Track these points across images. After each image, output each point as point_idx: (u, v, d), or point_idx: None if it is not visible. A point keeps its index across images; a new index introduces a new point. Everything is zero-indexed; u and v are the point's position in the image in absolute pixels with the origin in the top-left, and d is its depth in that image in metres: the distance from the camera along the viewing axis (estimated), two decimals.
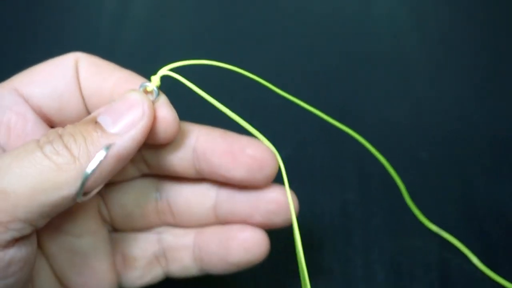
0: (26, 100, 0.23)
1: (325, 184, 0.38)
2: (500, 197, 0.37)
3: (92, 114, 0.22)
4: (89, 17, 0.50)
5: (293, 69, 0.46)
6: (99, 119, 0.22)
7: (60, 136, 0.21)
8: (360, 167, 0.39)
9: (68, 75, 0.24)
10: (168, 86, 0.27)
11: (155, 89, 0.25)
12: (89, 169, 0.21)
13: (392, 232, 0.35)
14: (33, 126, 0.23)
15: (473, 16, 0.51)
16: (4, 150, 0.23)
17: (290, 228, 0.31)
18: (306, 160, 0.39)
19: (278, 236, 0.30)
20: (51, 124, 0.25)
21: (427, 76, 0.46)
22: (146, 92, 0.24)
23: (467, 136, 0.41)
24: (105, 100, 0.24)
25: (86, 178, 0.21)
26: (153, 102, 0.24)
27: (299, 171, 0.39)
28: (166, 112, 0.24)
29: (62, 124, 0.24)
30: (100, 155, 0.21)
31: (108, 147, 0.21)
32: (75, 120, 0.24)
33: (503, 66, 0.46)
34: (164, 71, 0.26)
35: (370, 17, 0.51)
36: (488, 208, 0.36)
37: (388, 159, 0.39)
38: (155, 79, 0.25)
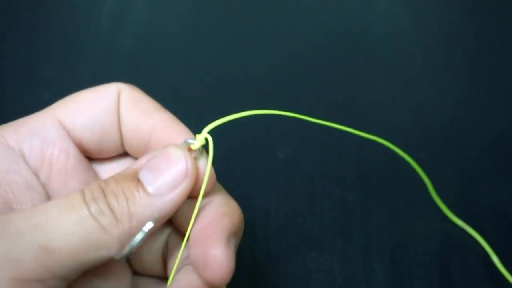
0: (68, 133, 0.23)
1: (325, 184, 0.38)
2: (500, 197, 0.37)
3: (134, 167, 0.22)
4: (89, 17, 0.50)
5: (293, 69, 0.46)
6: (141, 176, 0.22)
7: (104, 194, 0.21)
8: (360, 167, 0.39)
9: (111, 110, 0.24)
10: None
11: (200, 148, 0.24)
12: (136, 239, 0.21)
13: (392, 232, 0.35)
14: (74, 162, 0.24)
15: (473, 16, 0.51)
16: (45, 186, 0.23)
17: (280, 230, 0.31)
18: (306, 160, 0.39)
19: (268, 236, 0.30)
20: (87, 154, 0.25)
21: (426, 76, 0.46)
22: (189, 150, 0.23)
23: (467, 136, 0.41)
24: (143, 141, 0.24)
25: (132, 247, 0.21)
26: (195, 159, 0.23)
27: (299, 171, 0.39)
28: (210, 174, 0.24)
29: (98, 156, 0.25)
30: (148, 226, 0.21)
31: (155, 219, 0.21)
32: (111, 153, 0.25)
33: (503, 66, 0.46)
34: (209, 128, 0.24)
35: (370, 17, 0.51)
36: (488, 208, 0.36)
37: (388, 159, 0.40)
38: (201, 138, 0.24)
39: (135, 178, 0.21)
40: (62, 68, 0.46)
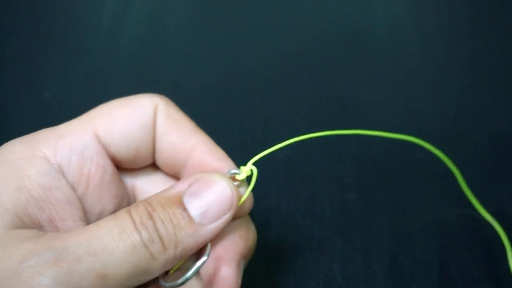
0: (104, 148, 0.24)
1: (325, 184, 0.38)
2: (499, 196, 0.37)
3: (177, 191, 0.23)
4: (89, 17, 0.50)
5: (293, 69, 0.46)
6: (185, 202, 0.22)
7: (153, 220, 0.21)
8: (360, 167, 0.39)
9: (147, 129, 0.24)
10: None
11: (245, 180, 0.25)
12: (192, 273, 0.22)
13: (392, 232, 0.35)
14: (110, 177, 0.24)
15: (473, 15, 0.51)
16: (81, 200, 0.23)
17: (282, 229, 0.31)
18: (306, 160, 0.39)
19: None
20: (117, 165, 0.25)
21: (426, 75, 0.46)
22: (233, 179, 0.24)
23: (466, 135, 0.41)
24: (178, 161, 0.25)
25: (187, 279, 0.22)
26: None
27: (299, 171, 0.39)
28: (248, 203, 0.25)
29: (127, 167, 0.25)
30: (202, 260, 0.23)
31: (209, 253, 0.23)
32: (141, 165, 0.25)
33: (502, 65, 0.46)
34: (254, 160, 0.25)
35: (370, 17, 0.51)
36: (487, 208, 0.36)
37: (387, 159, 0.40)
38: (247, 170, 0.25)
39: (180, 204, 0.22)
40: (62, 68, 0.46)
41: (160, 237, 0.21)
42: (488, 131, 0.41)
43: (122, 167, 0.25)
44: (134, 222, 0.21)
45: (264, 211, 0.36)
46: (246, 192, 0.25)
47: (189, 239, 0.22)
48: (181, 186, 0.23)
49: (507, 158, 0.40)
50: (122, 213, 0.21)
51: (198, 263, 0.23)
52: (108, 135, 0.23)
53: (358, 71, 0.46)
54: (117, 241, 0.20)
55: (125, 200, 0.26)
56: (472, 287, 0.33)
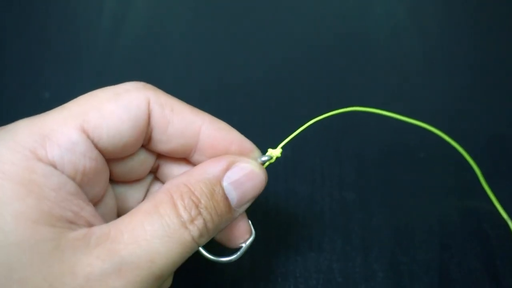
0: (95, 144, 0.23)
1: (325, 184, 0.38)
2: (499, 197, 0.37)
3: (216, 176, 0.24)
4: (89, 17, 0.50)
5: (293, 70, 0.46)
6: (226, 189, 0.24)
7: (200, 212, 0.23)
8: (360, 167, 0.39)
9: (138, 126, 0.24)
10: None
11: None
12: (238, 254, 0.27)
13: (392, 232, 0.35)
14: (101, 166, 0.24)
15: (472, 16, 0.51)
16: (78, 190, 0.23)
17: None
18: (306, 160, 0.39)
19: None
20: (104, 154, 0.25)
21: (426, 76, 0.46)
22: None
23: (466, 136, 0.41)
24: (189, 146, 0.26)
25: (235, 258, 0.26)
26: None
27: (299, 171, 0.39)
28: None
29: (113, 157, 0.25)
30: (250, 241, 0.27)
31: (254, 233, 0.27)
32: (127, 154, 0.25)
33: (502, 66, 0.46)
34: (283, 144, 0.28)
35: (370, 17, 0.51)
36: (487, 207, 0.36)
37: (387, 159, 0.40)
38: (276, 153, 0.27)
39: (221, 191, 0.24)
40: (62, 68, 0.46)
41: (208, 231, 0.23)
42: (487, 131, 0.41)
43: (107, 157, 0.25)
44: (183, 221, 0.22)
45: (264, 211, 0.36)
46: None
47: (226, 223, 0.25)
48: (216, 168, 0.24)
49: (507, 158, 0.40)
50: (167, 209, 0.22)
51: (247, 243, 0.26)
52: (97, 131, 0.23)
53: (358, 71, 0.46)
54: (169, 246, 0.22)
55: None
56: (472, 287, 0.33)
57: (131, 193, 0.28)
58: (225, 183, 0.24)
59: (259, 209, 0.36)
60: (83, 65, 0.46)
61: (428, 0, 0.53)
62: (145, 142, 0.26)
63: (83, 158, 0.23)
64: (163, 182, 0.29)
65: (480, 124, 0.42)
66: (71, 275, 0.20)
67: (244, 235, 0.27)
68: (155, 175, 0.29)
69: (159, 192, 0.23)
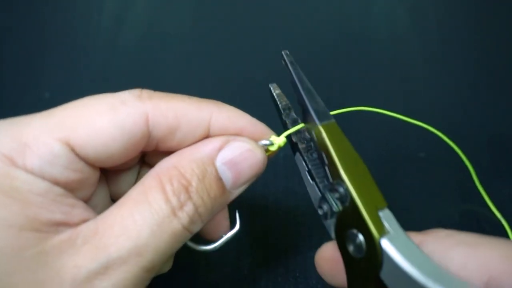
0: (80, 157, 0.22)
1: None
2: (498, 197, 0.37)
3: (209, 154, 0.22)
4: (89, 17, 0.50)
5: None
6: (220, 172, 0.22)
7: (190, 197, 0.21)
8: None
9: (134, 141, 0.22)
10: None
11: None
12: (220, 242, 0.25)
13: None
14: (87, 176, 0.22)
15: (472, 16, 0.51)
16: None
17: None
18: None
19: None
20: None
21: (426, 76, 0.46)
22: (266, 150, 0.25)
23: (466, 136, 0.41)
24: (200, 138, 0.24)
25: (216, 247, 0.25)
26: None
27: (299, 171, 0.39)
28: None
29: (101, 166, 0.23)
30: (232, 232, 0.25)
31: (239, 224, 0.25)
32: (115, 164, 0.23)
33: (502, 66, 0.46)
34: (287, 133, 0.26)
35: (370, 17, 0.51)
36: (486, 207, 0.36)
37: (387, 159, 0.40)
38: (279, 141, 0.25)
39: (214, 170, 0.22)
40: (62, 68, 0.46)
41: (200, 216, 0.22)
42: (487, 131, 0.41)
43: (96, 165, 0.23)
44: (172, 207, 0.21)
45: (264, 211, 0.36)
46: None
47: (220, 206, 0.23)
48: (209, 146, 0.23)
49: (506, 158, 0.40)
50: (156, 195, 0.21)
51: (229, 234, 0.24)
52: (83, 147, 0.21)
53: (358, 71, 0.46)
54: (159, 236, 0.21)
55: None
56: None
57: (124, 176, 0.26)
58: (218, 163, 0.22)
59: (258, 209, 0.36)
60: (83, 65, 0.46)
61: (428, 0, 0.53)
62: (150, 148, 0.24)
63: (65, 170, 0.21)
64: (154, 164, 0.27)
65: (480, 124, 0.42)
66: (57, 280, 0.19)
67: (223, 228, 0.25)
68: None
69: (149, 176, 0.22)
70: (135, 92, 0.23)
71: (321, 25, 0.50)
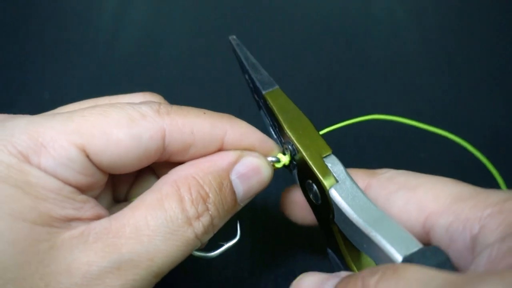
0: (94, 164, 0.22)
1: None
2: None
3: (225, 168, 0.23)
4: (89, 17, 0.50)
5: (293, 70, 0.46)
6: (234, 185, 0.24)
7: (207, 208, 0.22)
8: (360, 167, 0.39)
9: (149, 155, 0.23)
10: None
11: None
12: (220, 251, 0.25)
13: None
14: (98, 179, 0.23)
15: (471, 16, 0.51)
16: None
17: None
18: None
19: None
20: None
21: (425, 75, 0.46)
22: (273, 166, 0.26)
23: (466, 136, 0.41)
24: (214, 151, 0.25)
25: (217, 254, 0.25)
26: None
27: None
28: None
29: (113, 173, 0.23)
30: (233, 242, 0.25)
31: (239, 234, 0.25)
32: (128, 172, 0.24)
33: (501, 66, 0.46)
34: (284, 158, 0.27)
35: (370, 17, 0.51)
36: None
37: (387, 159, 0.40)
38: (285, 160, 0.26)
39: (229, 184, 0.23)
40: (62, 68, 0.46)
41: (213, 227, 0.23)
42: (486, 131, 0.41)
43: (107, 172, 0.24)
44: (188, 217, 0.22)
45: (264, 212, 0.36)
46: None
47: (229, 217, 0.24)
48: (225, 160, 0.24)
49: (506, 159, 0.40)
50: (172, 203, 0.22)
51: (229, 244, 0.25)
52: (99, 155, 0.22)
53: (358, 71, 0.46)
54: (171, 243, 0.21)
55: None
56: None
57: (124, 177, 0.27)
58: (233, 177, 0.24)
59: (259, 209, 0.36)
60: (83, 65, 0.46)
61: (428, 0, 0.53)
62: (162, 160, 0.24)
63: (77, 174, 0.21)
64: (157, 168, 0.27)
65: (479, 124, 0.42)
66: (67, 274, 0.20)
67: None
68: None
69: (165, 184, 0.22)
70: (154, 106, 0.23)
71: (321, 25, 0.50)
